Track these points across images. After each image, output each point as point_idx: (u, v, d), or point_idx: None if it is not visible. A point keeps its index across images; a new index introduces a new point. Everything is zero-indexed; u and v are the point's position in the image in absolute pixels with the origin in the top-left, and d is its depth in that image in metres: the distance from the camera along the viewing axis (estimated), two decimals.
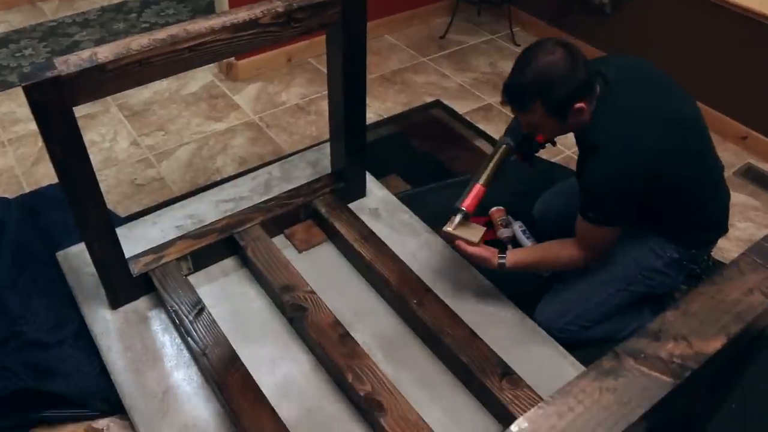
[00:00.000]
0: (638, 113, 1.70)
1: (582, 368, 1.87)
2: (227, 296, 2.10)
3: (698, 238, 1.93)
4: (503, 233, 2.38)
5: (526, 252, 1.96)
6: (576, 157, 1.84)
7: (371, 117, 3.00)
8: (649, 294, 2.00)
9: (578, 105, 1.66)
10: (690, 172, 1.79)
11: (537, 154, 2.14)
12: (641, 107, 1.71)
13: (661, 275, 1.94)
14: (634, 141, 1.68)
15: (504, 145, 2.02)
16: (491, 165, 2.00)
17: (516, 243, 2.38)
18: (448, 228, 1.92)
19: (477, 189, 1.97)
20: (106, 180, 2.69)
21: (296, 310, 1.96)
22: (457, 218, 1.93)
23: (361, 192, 2.45)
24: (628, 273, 1.94)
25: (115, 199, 2.60)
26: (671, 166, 1.72)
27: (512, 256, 1.91)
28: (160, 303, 2.04)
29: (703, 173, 1.84)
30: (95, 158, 2.71)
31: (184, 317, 1.93)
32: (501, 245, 2.35)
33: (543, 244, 2.00)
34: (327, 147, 2.46)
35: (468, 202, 1.95)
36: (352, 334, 1.91)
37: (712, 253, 2.26)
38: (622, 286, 1.95)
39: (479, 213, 2.20)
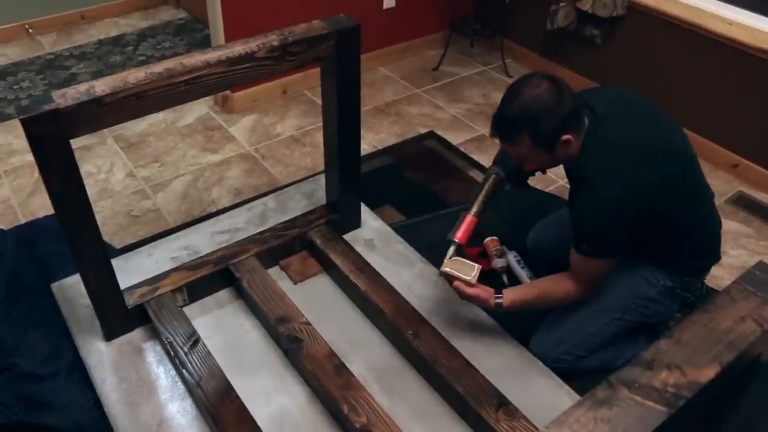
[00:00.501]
0: (627, 145, 1.73)
1: (578, 398, 1.86)
2: (222, 327, 2.10)
3: (691, 267, 1.94)
4: (498, 263, 2.38)
5: (523, 290, 1.95)
6: (569, 187, 1.85)
7: (365, 148, 3.02)
8: (644, 323, 2.00)
9: (565, 137, 1.69)
10: (680, 202, 1.80)
11: (531, 185, 2.16)
12: (629, 140, 1.74)
13: (655, 304, 1.94)
14: (624, 173, 1.69)
15: (493, 175, 2.04)
16: (482, 195, 2.02)
17: (510, 273, 2.38)
18: (445, 267, 1.92)
19: (469, 220, 1.98)
20: (102, 211, 2.70)
21: (291, 342, 1.95)
22: (450, 250, 1.94)
23: (356, 223, 2.46)
24: (622, 302, 1.94)
25: (110, 231, 2.60)
26: (661, 197, 1.74)
27: (509, 295, 1.91)
28: (155, 334, 2.03)
29: (693, 203, 1.86)
30: (91, 190, 2.71)
31: (179, 349, 1.92)
32: (496, 275, 2.36)
33: (537, 280, 2.01)
34: (322, 178, 2.47)
35: (460, 234, 1.97)
36: (348, 365, 1.90)
37: (705, 281, 2.28)
38: (616, 315, 1.95)
39: (473, 243, 2.21)
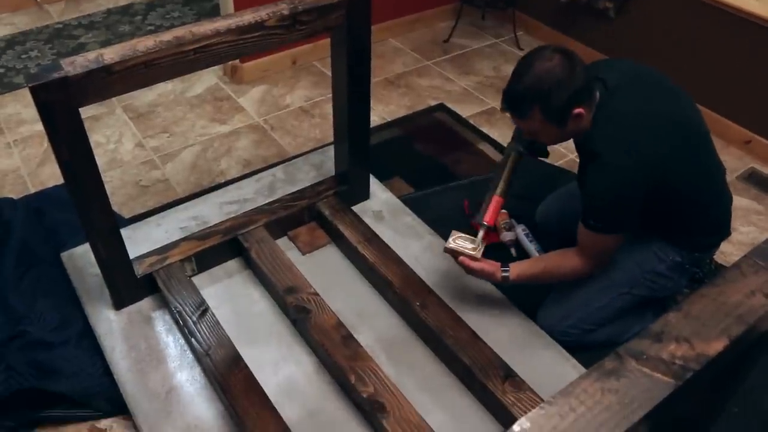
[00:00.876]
0: (638, 119, 1.71)
1: (584, 371, 1.87)
2: (231, 297, 2.11)
3: (701, 242, 1.93)
4: (506, 236, 2.38)
5: (530, 264, 1.95)
6: (578, 161, 1.84)
7: (375, 120, 3.01)
8: (652, 297, 2.00)
9: (577, 111, 1.67)
10: (691, 176, 1.79)
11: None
12: (641, 113, 1.72)
13: (663, 278, 1.94)
14: (634, 148, 1.68)
15: (513, 153, 2.02)
16: (505, 173, 2.00)
17: (519, 246, 2.38)
18: (450, 244, 1.92)
19: (495, 201, 1.97)
20: (111, 181, 2.70)
21: (299, 312, 1.96)
22: (481, 233, 1.93)
23: (364, 195, 2.46)
24: (630, 276, 1.94)
25: (119, 201, 2.61)
26: (672, 171, 1.72)
27: (515, 269, 1.90)
28: (163, 304, 2.04)
29: (705, 177, 1.84)
30: (100, 160, 2.70)
31: (188, 318, 1.94)
32: (504, 248, 2.35)
33: (545, 255, 2.01)
34: (331, 150, 2.47)
35: (488, 216, 1.95)
36: (355, 336, 1.92)
37: (715, 257, 2.27)
38: (624, 289, 1.95)
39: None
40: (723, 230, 1.94)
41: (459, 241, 1.92)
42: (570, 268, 1.87)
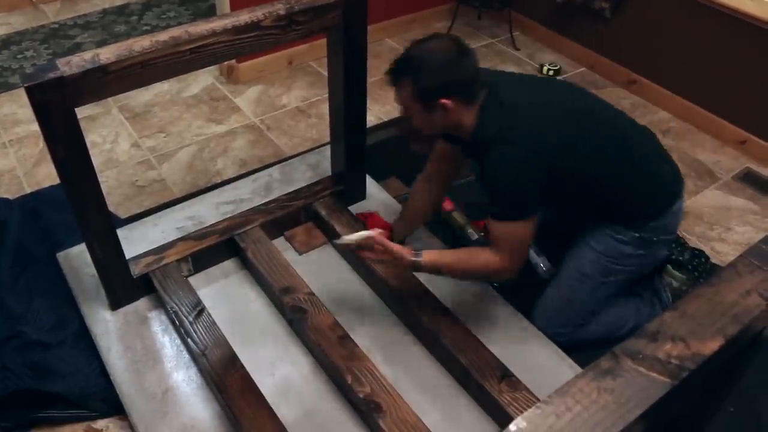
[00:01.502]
0: (526, 110, 1.71)
1: (580, 371, 1.87)
2: (227, 298, 2.11)
3: (648, 210, 1.87)
4: None
5: (442, 252, 1.88)
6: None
7: (371, 120, 3.01)
8: (638, 276, 1.98)
9: (444, 101, 1.68)
10: (597, 156, 1.77)
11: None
12: (530, 104, 1.73)
13: (635, 258, 1.91)
14: (523, 133, 1.67)
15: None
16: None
17: None
18: (340, 240, 1.84)
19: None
20: (107, 181, 2.70)
21: (296, 312, 1.96)
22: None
23: (361, 195, 2.46)
24: (600, 267, 1.92)
25: (116, 201, 2.61)
26: (570, 156, 1.72)
27: (428, 255, 1.81)
28: (160, 304, 2.04)
29: (613, 157, 1.80)
30: (96, 160, 2.71)
31: (184, 318, 1.94)
32: None
33: (462, 248, 1.96)
34: (327, 150, 2.46)
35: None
36: (352, 335, 1.92)
37: (712, 259, 2.28)
38: (599, 280, 1.94)
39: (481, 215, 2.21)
40: (665, 191, 1.88)
41: (348, 237, 1.82)
42: (484, 260, 1.79)
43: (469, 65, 1.71)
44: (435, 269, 1.83)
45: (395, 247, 1.78)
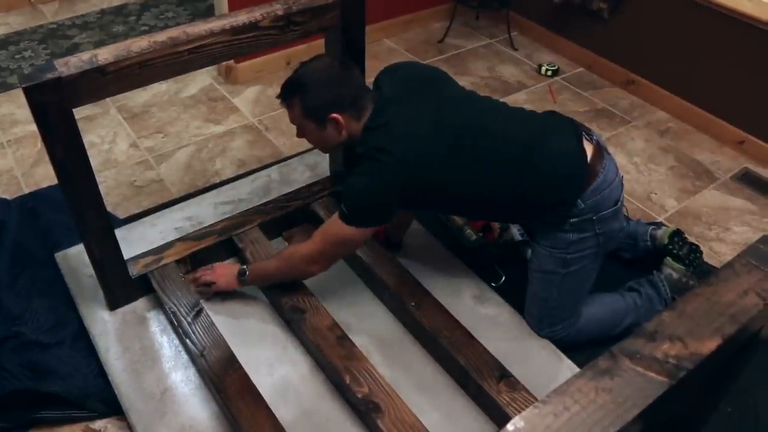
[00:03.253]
0: (401, 130, 1.74)
1: (578, 371, 1.87)
2: (226, 298, 2.10)
3: (566, 195, 1.81)
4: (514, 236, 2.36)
5: (266, 261, 2.03)
6: None
7: None
8: (603, 258, 1.95)
9: (333, 115, 1.77)
10: (476, 172, 1.78)
11: None
12: (407, 123, 1.75)
13: (585, 240, 1.87)
14: (389, 153, 1.71)
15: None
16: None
17: (515, 245, 2.38)
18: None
19: None
20: (106, 182, 2.70)
21: (294, 313, 1.96)
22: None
23: None
24: (556, 261, 1.90)
25: (114, 201, 2.61)
26: (437, 175, 1.75)
27: (252, 267, 2.02)
28: (158, 304, 2.04)
29: (504, 159, 1.79)
30: (94, 160, 2.70)
31: (183, 319, 1.94)
32: (500, 247, 2.35)
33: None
34: None
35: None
36: (350, 336, 1.92)
37: (707, 260, 2.28)
38: (561, 273, 1.91)
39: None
40: (565, 175, 1.81)
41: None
42: (306, 251, 1.89)
43: (354, 81, 1.82)
44: (263, 278, 2.03)
45: (222, 269, 2.07)
